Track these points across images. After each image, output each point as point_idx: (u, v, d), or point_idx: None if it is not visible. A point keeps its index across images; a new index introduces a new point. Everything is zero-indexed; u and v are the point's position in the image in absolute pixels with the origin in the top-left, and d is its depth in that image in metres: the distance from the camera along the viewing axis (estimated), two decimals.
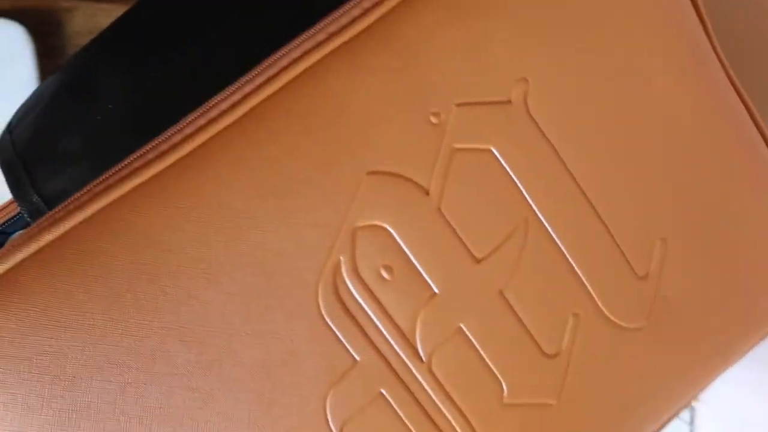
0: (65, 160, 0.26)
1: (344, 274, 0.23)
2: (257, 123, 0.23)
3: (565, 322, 0.26)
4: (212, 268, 0.22)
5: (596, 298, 0.26)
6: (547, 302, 0.26)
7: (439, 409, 0.24)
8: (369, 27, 0.24)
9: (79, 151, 0.26)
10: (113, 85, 0.27)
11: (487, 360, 0.25)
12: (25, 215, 0.25)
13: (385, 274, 0.24)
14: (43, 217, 0.21)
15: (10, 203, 0.26)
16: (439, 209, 0.24)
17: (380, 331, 0.23)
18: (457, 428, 0.24)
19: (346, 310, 0.23)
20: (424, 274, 0.24)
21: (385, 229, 0.24)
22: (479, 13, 0.25)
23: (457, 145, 0.24)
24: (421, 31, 0.24)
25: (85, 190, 0.21)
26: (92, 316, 0.21)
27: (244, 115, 0.23)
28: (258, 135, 0.23)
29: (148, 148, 0.22)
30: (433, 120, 0.24)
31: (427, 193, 0.24)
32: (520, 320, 0.25)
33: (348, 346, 0.23)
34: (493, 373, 0.25)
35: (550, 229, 0.25)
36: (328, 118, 0.23)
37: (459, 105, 0.24)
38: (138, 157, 0.22)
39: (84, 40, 0.29)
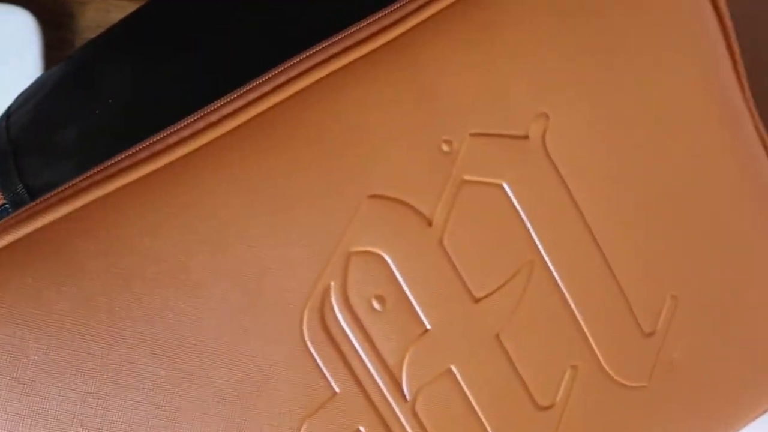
0: (57, 152, 0.25)
1: (333, 301, 0.22)
2: (258, 133, 0.22)
3: (562, 373, 0.25)
4: (192, 280, 0.20)
5: (597, 352, 0.25)
6: (545, 351, 0.24)
7: None
8: (386, 44, 0.23)
9: (73, 145, 0.25)
10: (117, 80, 0.26)
11: (475, 405, 0.23)
12: (8, 206, 0.24)
13: (376, 305, 0.22)
14: (22, 209, 0.20)
15: None
16: (441, 242, 0.23)
17: (364, 364, 0.22)
18: None
19: (331, 339, 0.22)
20: (418, 309, 0.23)
21: (382, 257, 0.22)
22: (503, 42, 0.24)
23: (467, 177, 0.23)
24: (441, 55, 0.23)
25: (69, 184, 0.20)
26: (60, 318, 0.19)
27: (245, 123, 0.21)
28: (257, 145, 0.21)
29: (140, 147, 0.21)
30: (445, 148, 0.23)
31: (430, 224, 0.23)
32: (514, 367, 0.24)
33: (328, 377, 0.22)
34: (480, 420, 0.24)
35: (555, 275, 0.24)
36: (333, 133, 0.22)
37: (473, 135, 0.23)
38: (129, 155, 0.21)
39: (94, 35, 0.29)
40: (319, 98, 0.22)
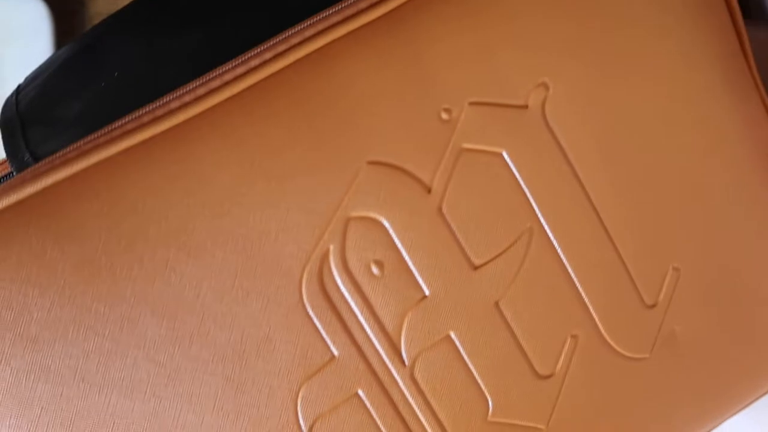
0: (63, 123, 0.25)
1: (332, 265, 0.22)
2: (258, 99, 0.22)
3: (562, 343, 0.25)
4: (193, 242, 0.21)
5: (598, 322, 0.25)
6: (545, 320, 0.24)
7: (418, 418, 0.23)
8: (387, 14, 0.23)
9: (78, 115, 0.25)
10: (124, 55, 0.26)
11: (475, 373, 0.24)
12: (15, 174, 0.25)
13: (375, 270, 0.22)
14: (28, 170, 0.20)
15: (2, 162, 0.25)
16: (440, 209, 0.23)
17: (363, 329, 0.22)
18: None
19: (330, 302, 0.22)
20: (417, 275, 0.23)
21: (380, 223, 0.22)
22: (503, 12, 0.24)
23: (466, 145, 0.23)
24: (441, 25, 0.23)
25: (72, 146, 0.21)
26: (63, 276, 0.20)
27: (246, 90, 0.22)
28: (257, 111, 0.22)
29: (143, 112, 0.21)
30: (444, 116, 0.23)
31: (429, 191, 0.23)
32: (513, 335, 0.24)
33: (327, 340, 0.22)
34: (480, 387, 0.24)
35: (555, 243, 0.24)
36: (333, 100, 0.22)
37: (472, 104, 0.23)
38: (131, 119, 0.21)
39: None
40: (320, 66, 0.22)
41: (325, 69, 0.22)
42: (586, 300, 0.25)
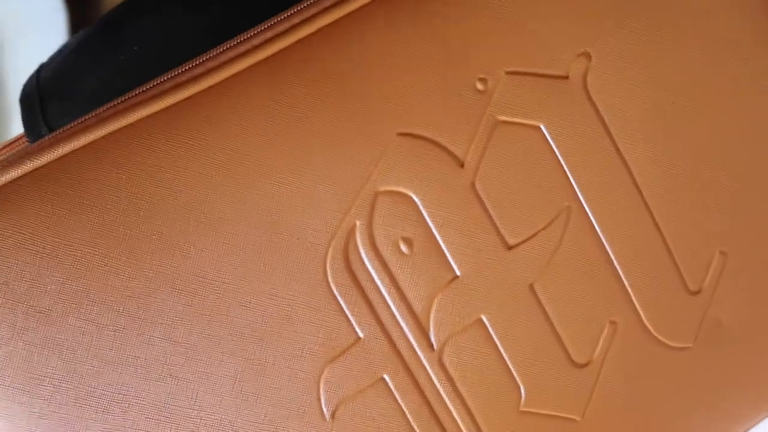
0: (81, 97, 0.25)
1: (358, 241, 0.21)
2: (285, 66, 0.21)
3: (600, 329, 0.23)
4: (214, 214, 0.20)
5: (639, 308, 0.24)
6: (582, 304, 0.23)
7: (446, 405, 0.22)
8: None
9: (96, 90, 0.25)
10: (141, 32, 0.26)
11: (507, 359, 0.22)
12: None
13: (403, 247, 0.21)
14: (45, 138, 0.20)
15: (20, 137, 0.25)
16: (473, 185, 0.22)
17: (390, 309, 0.21)
18: (463, 429, 0.22)
19: (355, 281, 0.21)
20: (447, 254, 0.22)
21: (410, 198, 0.21)
22: None
23: (502, 117, 0.22)
24: None
25: (92, 113, 0.20)
26: (79, 248, 0.19)
27: (273, 56, 0.21)
28: (284, 79, 0.21)
29: (165, 78, 0.20)
30: (479, 86, 0.22)
31: (462, 165, 0.22)
32: (549, 320, 0.23)
33: (352, 321, 0.21)
34: (512, 375, 0.22)
35: (595, 223, 0.23)
36: (363, 69, 0.21)
37: (509, 73, 0.22)
38: (153, 86, 0.20)
39: None
40: (350, 32, 0.21)
41: (355, 36, 0.21)
42: (627, 284, 0.23)
